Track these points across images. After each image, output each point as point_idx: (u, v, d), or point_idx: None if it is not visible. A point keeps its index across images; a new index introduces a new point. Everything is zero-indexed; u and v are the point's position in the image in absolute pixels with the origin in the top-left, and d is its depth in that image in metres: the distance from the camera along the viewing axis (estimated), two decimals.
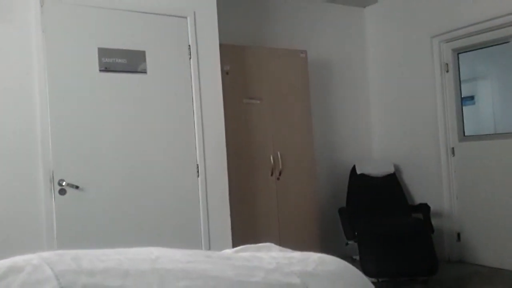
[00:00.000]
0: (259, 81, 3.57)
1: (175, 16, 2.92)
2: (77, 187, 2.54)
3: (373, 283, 2.88)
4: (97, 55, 2.64)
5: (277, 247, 0.61)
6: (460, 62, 4.07)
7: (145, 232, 2.71)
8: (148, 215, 2.75)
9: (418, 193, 4.26)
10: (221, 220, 2.98)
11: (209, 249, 2.86)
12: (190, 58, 2.93)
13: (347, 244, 3.76)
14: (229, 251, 0.55)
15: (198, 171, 2.93)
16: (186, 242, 2.81)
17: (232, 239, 2.97)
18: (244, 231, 3.29)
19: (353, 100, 4.63)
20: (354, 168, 4.24)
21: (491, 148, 3.78)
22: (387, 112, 4.60)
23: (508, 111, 3.76)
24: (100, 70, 2.66)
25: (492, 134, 4.01)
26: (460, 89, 4.08)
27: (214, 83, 3.02)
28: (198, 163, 2.93)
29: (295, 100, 3.75)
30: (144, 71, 2.80)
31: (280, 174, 3.59)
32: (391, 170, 4.25)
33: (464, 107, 4.09)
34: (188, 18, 2.93)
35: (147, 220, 2.74)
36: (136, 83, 2.78)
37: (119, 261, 0.59)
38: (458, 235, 4.04)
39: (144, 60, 2.80)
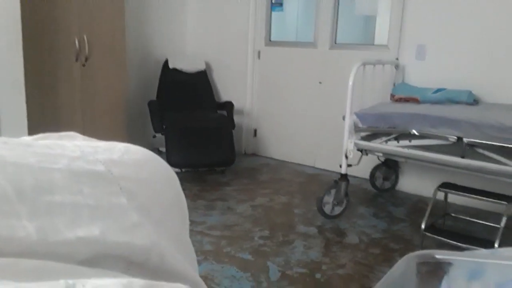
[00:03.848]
0: None
1: None
2: None
3: (177, 173, 3.07)
4: None
5: (81, 136, 0.59)
6: None
7: None
8: None
9: (225, 91, 4.52)
10: (14, 108, 2.66)
11: None
12: None
13: (154, 136, 3.83)
14: (28, 138, 0.51)
15: None
16: None
17: (30, 129, 2.72)
18: (44, 121, 3.03)
19: None
20: (166, 62, 4.20)
21: (291, 54, 4.17)
22: (203, 10, 4.58)
23: (308, 22, 4.14)
24: None
25: (294, 41, 4.40)
26: None
27: None
28: None
29: None
30: None
31: (86, 60, 3.32)
32: (202, 67, 4.36)
33: (272, 13, 4.34)
34: None
35: None
36: None
37: None
38: (255, 131, 4.51)
39: None
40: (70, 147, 0.47)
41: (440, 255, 0.94)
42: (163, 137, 3.68)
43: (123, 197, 0.44)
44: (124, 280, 0.28)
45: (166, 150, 3.57)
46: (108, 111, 3.55)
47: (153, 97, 4.06)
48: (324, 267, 2.33)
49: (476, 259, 1.03)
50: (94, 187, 0.43)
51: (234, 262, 2.36)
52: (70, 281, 0.26)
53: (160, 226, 0.47)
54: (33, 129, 2.74)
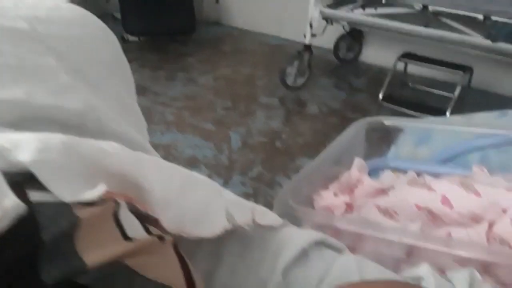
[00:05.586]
0: None
1: None
2: None
3: (135, 42, 2.89)
4: None
5: None
6: None
7: None
8: None
9: None
10: None
11: None
12: None
13: (107, 1, 3.57)
14: None
15: None
16: None
17: None
18: None
19: None
20: None
21: None
22: None
23: None
24: None
25: None
26: None
27: None
28: None
29: None
30: None
31: None
32: None
33: None
34: None
35: None
36: None
37: None
38: None
39: None
40: None
41: (389, 121, 0.98)
42: (117, 1, 3.43)
43: (51, 57, 0.41)
44: (42, 135, 0.26)
45: (121, 15, 3.36)
46: None
47: None
48: (284, 136, 2.42)
49: (422, 125, 1.07)
50: (15, 46, 0.39)
51: (197, 132, 2.40)
52: None
53: (96, 89, 0.45)
54: None
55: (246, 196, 1.95)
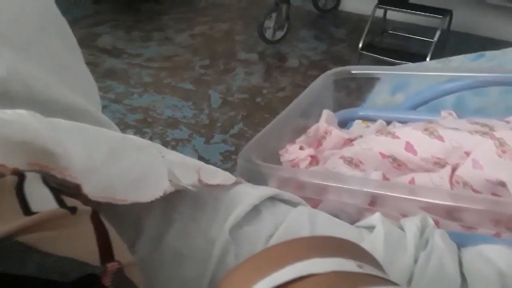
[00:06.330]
0: None
1: None
2: None
3: (107, 2, 2.75)
4: None
5: None
6: None
7: None
8: None
9: None
10: None
11: None
12: None
13: None
14: None
15: None
16: None
17: None
18: None
19: None
20: None
21: None
22: None
23: None
24: None
25: None
26: None
27: None
28: None
29: None
30: None
31: None
32: None
33: None
34: None
35: None
36: None
37: None
38: None
39: None
40: None
41: (357, 70, 0.95)
42: None
43: None
44: None
45: None
46: None
47: None
48: (264, 91, 2.39)
49: (393, 72, 1.05)
50: None
51: (175, 92, 2.36)
52: None
53: (25, 53, 0.42)
54: None
55: (228, 153, 1.94)
